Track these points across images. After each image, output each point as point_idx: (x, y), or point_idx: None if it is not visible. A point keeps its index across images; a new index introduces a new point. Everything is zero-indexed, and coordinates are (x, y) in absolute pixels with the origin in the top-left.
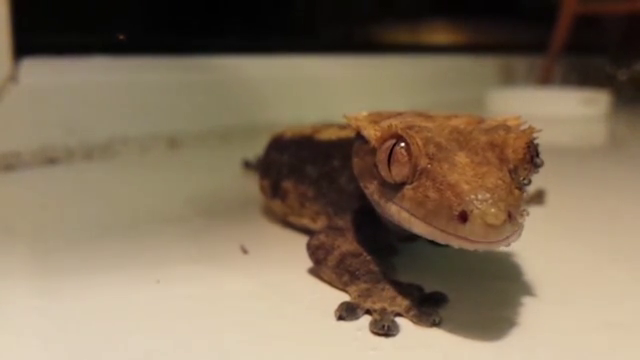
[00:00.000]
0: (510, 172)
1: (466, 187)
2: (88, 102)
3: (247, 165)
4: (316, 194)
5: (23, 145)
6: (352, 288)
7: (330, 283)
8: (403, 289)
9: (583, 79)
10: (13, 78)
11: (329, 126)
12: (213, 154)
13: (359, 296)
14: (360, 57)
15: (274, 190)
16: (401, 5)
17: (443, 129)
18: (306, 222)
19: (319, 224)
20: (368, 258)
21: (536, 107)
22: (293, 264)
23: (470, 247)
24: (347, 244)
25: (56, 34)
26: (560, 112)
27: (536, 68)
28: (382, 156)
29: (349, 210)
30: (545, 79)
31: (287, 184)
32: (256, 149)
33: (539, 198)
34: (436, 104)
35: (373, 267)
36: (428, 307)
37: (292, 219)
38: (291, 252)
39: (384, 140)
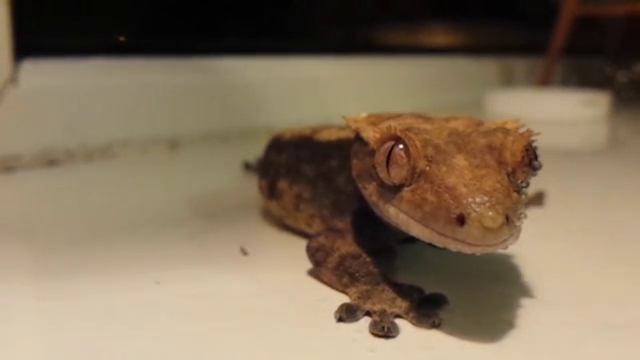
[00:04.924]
0: (508, 175)
1: (464, 190)
2: (88, 104)
3: (247, 167)
4: (312, 195)
5: (23, 147)
6: (352, 290)
7: (330, 285)
8: (403, 291)
9: (583, 80)
10: (13, 80)
11: (329, 127)
12: (213, 156)
13: (359, 297)
14: (360, 59)
15: (271, 190)
16: (401, 7)
17: (442, 131)
18: (302, 226)
19: (315, 228)
20: (368, 260)
21: (536, 109)
22: (293, 266)
23: (467, 250)
24: (347, 246)
25: (56, 36)
26: (560, 114)
27: (536, 70)
28: (381, 158)
29: (347, 211)
30: (545, 81)
31: (283, 184)
32: (256, 151)
33: (539, 200)
34: (436, 106)
35: (373, 269)
36: (428, 309)
37: (289, 222)
38: (291, 253)
39: (383, 142)
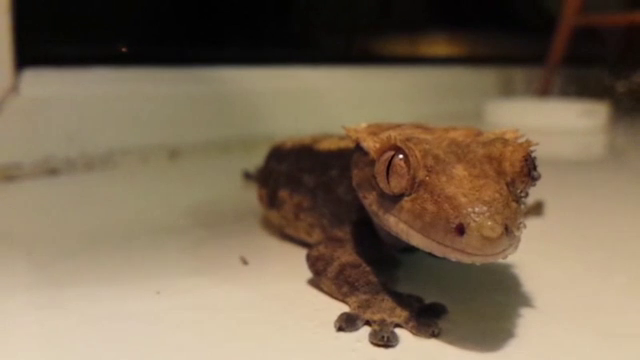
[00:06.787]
0: (507, 185)
1: (463, 200)
2: (89, 113)
3: (247, 176)
4: (312, 204)
5: (24, 156)
6: (352, 299)
7: (330, 294)
8: (402, 300)
9: (582, 90)
10: (14, 89)
11: (329, 137)
12: (213, 165)
13: (359, 307)
14: (359, 68)
15: (271, 200)
16: (400, 17)
17: (441, 141)
18: (302, 235)
19: (315, 237)
20: (367, 269)
21: (535, 118)
22: (293, 275)
23: (467, 260)
24: (346, 255)
25: (57, 45)
26: (559, 123)
27: (535, 79)
28: (381, 168)
29: (347, 221)
30: (544, 90)
31: (283, 193)
32: (256, 160)
33: (538, 209)
34: (435, 115)
35: (372, 278)
36: (427, 318)
37: (289, 231)
38: (291, 263)
39: (383, 152)
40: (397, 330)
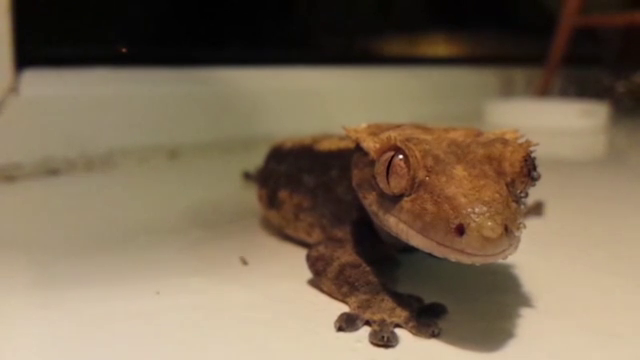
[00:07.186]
0: (507, 185)
1: (463, 200)
2: (89, 113)
3: (247, 177)
4: (312, 204)
5: (24, 156)
6: (351, 299)
7: (330, 294)
8: (402, 300)
9: (582, 91)
10: (14, 89)
11: (329, 137)
12: (213, 165)
13: (358, 307)
14: (360, 69)
15: (271, 200)
16: (400, 17)
17: (441, 142)
18: (302, 235)
19: (315, 237)
20: (367, 269)
21: (535, 119)
22: (293, 275)
23: (467, 260)
24: (346, 255)
25: (57, 46)
26: (559, 124)
27: (535, 80)
28: (381, 168)
29: (346, 221)
30: (544, 91)
31: (283, 194)
32: (256, 161)
33: (538, 210)
34: (435, 116)
35: (372, 278)
36: (427, 318)
37: (288, 232)
38: (291, 263)
39: (383, 152)
40: (397, 330)
